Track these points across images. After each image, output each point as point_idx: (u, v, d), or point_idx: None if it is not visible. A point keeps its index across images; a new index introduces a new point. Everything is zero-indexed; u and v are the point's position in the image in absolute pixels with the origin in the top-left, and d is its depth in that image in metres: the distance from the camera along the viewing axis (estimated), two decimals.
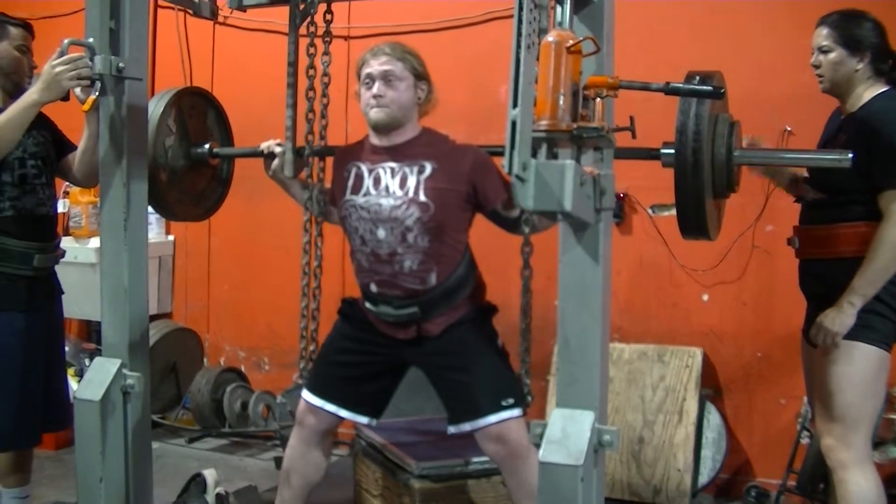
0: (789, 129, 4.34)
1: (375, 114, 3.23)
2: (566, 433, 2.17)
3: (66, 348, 5.21)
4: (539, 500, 2.18)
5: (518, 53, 1.86)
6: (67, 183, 5.60)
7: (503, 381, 3.22)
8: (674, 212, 2.81)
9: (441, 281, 3.23)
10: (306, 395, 3.41)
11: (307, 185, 3.48)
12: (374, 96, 3.22)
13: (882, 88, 3.14)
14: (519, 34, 1.87)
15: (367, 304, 3.34)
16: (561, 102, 1.94)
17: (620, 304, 4.77)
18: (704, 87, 2.35)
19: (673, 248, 4.69)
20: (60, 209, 5.67)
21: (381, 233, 3.21)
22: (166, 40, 5.96)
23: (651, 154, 2.88)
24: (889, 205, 2.98)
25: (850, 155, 2.77)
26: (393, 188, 3.21)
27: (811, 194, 3.26)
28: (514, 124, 1.82)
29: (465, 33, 5.18)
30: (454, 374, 3.27)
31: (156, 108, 3.45)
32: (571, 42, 1.95)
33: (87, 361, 5.40)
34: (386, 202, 3.20)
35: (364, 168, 3.30)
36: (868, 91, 3.14)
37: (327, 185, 3.52)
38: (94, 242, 5.38)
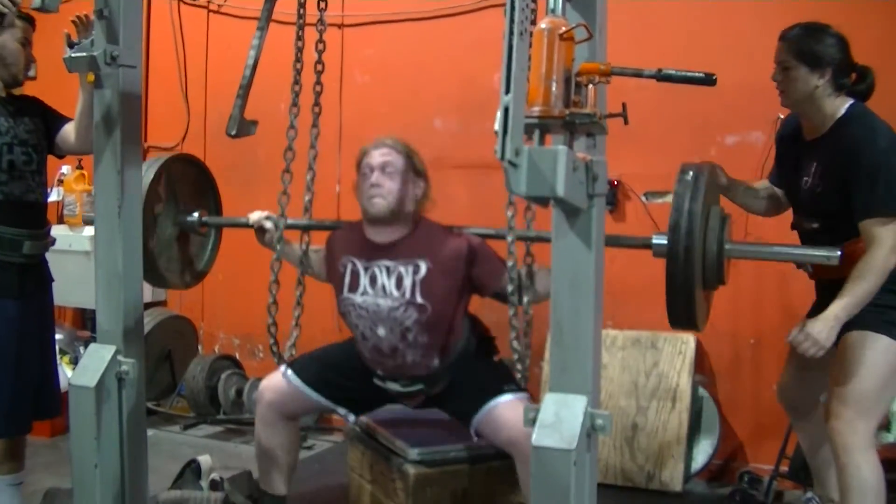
0: (782, 116, 4.35)
1: (373, 205, 3.30)
2: (559, 417, 2.18)
3: (61, 336, 5.24)
4: (532, 484, 2.19)
5: (511, 40, 1.87)
6: (61, 171, 5.64)
7: (497, 377, 3.34)
8: (667, 199, 2.84)
9: (444, 362, 3.36)
10: (289, 373, 3.51)
11: (294, 251, 3.60)
12: (372, 185, 3.28)
13: (846, 103, 3.14)
14: (511, 21, 1.87)
15: (375, 380, 3.45)
16: (553, 89, 1.94)
17: (614, 291, 4.76)
18: (696, 74, 2.37)
19: None
20: (55, 197, 5.67)
21: (382, 331, 3.32)
22: (160, 29, 5.95)
23: (644, 243, 2.95)
24: (872, 231, 3.00)
25: (838, 253, 2.82)
26: (390, 288, 3.30)
27: (806, 224, 3.29)
28: (506, 110, 1.82)
29: (460, 21, 5.18)
30: (452, 397, 3.43)
31: (146, 174, 3.43)
32: (564, 29, 1.96)
33: (81, 349, 5.40)
34: (384, 303, 3.30)
35: (360, 265, 3.38)
36: (833, 108, 3.14)
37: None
38: (89, 230, 5.37)
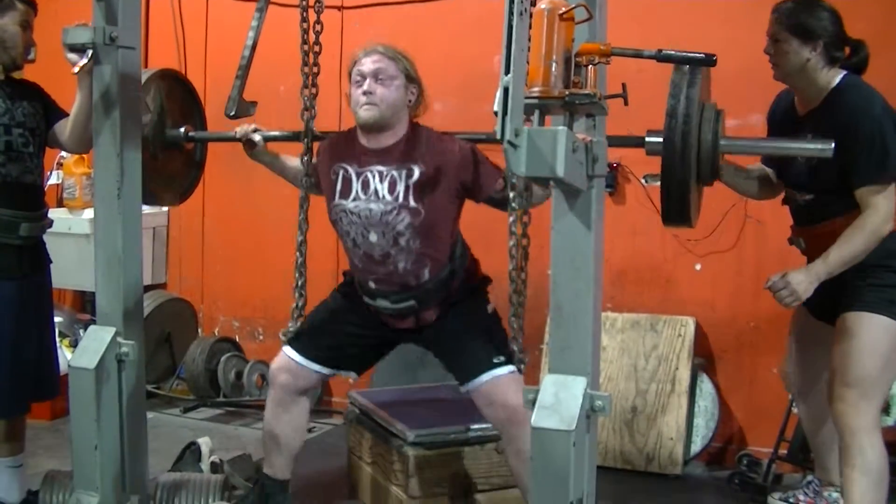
0: None
1: (365, 112, 3.23)
2: (558, 398, 2.18)
3: (61, 319, 5.23)
4: (531, 465, 2.20)
5: (511, 20, 1.86)
6: (61, 153, 5.63)
7: (492, 341, 3.25)
8: None
9: (434, 275, 3.29)
10: (290, 352, 3.44)
11: (286, 165, 3.54)
12: (365, 93, 3.22)
13: (839, 75, 3.13)
14: (511, 1, 1.87)
15: (366, 298, 3.39)
16: (553, 69, 1.95)
17: (613, 273, 4.78)
18: (697, 55, 2.36)
19: None
20: (54, 180, 5.67)
21: (373, 237, 3.25)
22: (159, 10, 5.93)
23: (637, 142, 2.92)
24: (867, 198, 3.00)
25: (832, 145, 2.80)
26: (382, 193, 3.24)
27: (799, 197, 3.28)
28: (506, 90, 1.82)
29: (459, 2, 5.14)
30: (447, 343, 3.35)
31: None
32: (564, 9, 1.96)
33: (81, 332, 5.39)
34: (376, 207, 3.24)
35: (352, 171, 3.31)
36: (826, 80, 3.13)
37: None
38: (89, 213, 5.38)
